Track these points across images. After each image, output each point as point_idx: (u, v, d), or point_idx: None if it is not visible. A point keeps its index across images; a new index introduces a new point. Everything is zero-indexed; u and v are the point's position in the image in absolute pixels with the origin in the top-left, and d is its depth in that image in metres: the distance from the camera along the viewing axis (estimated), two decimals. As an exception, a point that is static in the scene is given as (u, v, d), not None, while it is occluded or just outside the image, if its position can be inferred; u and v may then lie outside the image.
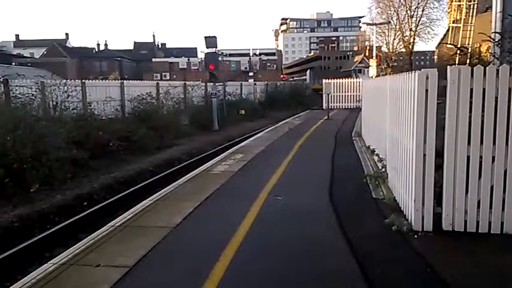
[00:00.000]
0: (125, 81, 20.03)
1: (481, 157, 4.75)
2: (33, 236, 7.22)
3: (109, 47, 76.46)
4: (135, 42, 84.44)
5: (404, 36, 44.08)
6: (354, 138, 13.68)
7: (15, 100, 11.81)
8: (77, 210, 8.72)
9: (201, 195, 6.96)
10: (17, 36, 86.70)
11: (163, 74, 66.00)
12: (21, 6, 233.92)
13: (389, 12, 44.16)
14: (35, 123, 10.55)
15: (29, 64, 47.91)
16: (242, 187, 7.71)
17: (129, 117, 17.45)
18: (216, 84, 22.34)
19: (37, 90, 13.13)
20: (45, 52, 66.90)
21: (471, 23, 19.37)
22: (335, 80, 29.67)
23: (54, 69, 25.14)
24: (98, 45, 79.38)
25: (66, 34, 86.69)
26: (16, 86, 12.84)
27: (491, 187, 4.77)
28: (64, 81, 14.85)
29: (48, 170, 9.74)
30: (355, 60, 72.51)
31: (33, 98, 12.24)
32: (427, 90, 4.81)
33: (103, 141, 13.23)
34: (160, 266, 4.35)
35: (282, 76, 76.31)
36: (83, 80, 16.53)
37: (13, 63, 42.35)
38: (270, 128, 18.48)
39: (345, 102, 29.36)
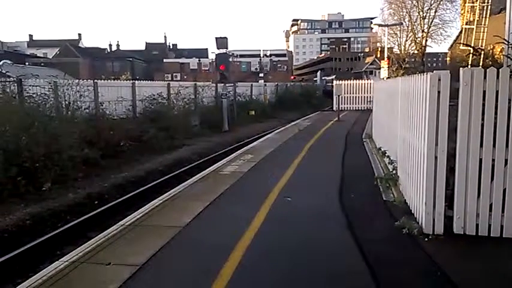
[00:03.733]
0: (136, 81, 20.18)
1: (493, 160, 4.69)
2: (44, 233, 7.30)
3: (121, 48, 77.29)
4: (146, 43, 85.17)
5: (417, 38, 43.67)
6: (364, 140, 13.60)
7: (29, 99, 11.96)
8: (88, 209, 8.80)
9: (210, 196, 6.97)
10: (31, 36, 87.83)
11: (174, 74, 66.48)
12: (35, 6, 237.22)
13: (401, 13, 43.77)
14: (48, 122, 10.68)
15: (42, 64, 48.54)
16: (251, 188, 7.72)
17: (140, 117, 17.58)
18: (227, 85, 22.38)
19: (50, 90, 13.27)
20: (58, 52, 67.69)
21: (485, 24, 19.10)
22: (346, 81, 29.54)
23: (67, 69, 25.36)
24: (110, 45, 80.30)
25: (79, 34, 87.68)
26: (30, 85, 13.00)
27: (504, 190, 4.71)
28: (76, 81, 15.01)
29: (60, 168, 9.85)
30: (366, 61, 72.04)
31: (46, 97, 12.38)
32: (439, 92, 4.77)
33: (114, 141, 13.34)
34: (169, 265, 4.37)
35: (291, 77, 76.21)
36: (95, 80, 16.69)
37: (27, 63, 42.93)
38: (279, 129, 18.47)
39: (355, 103, 29.21)
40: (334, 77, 52.56)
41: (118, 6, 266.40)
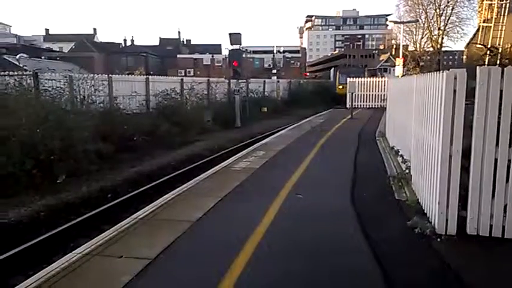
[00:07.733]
0: (150, 76, 20.34)
1: (509, 160, 4.61)
2: (58, 225, 7.41)
3: (135, 43, 77.58)
4: (160, 38, 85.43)
5: (433, 35, 43.08)
6: (377, 139, 13.49)
7: (45, 93, 12.12)
8: (101, 201, 8.91)
9: (222, 191, 7.00)
10: (47, 30, 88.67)
11: (187, 70, 66.69)
12: (52, 1, 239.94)
13: (417, 10, 43.23)
14: (63, 116, 10.82)
15: (58, 58, 49.05)
16: (263, 184, 7.72)
17: (154, 112, 17.72)
18: (239, 81, 22.40)
19: (65, 83, 13.46)
20: (73, 47, 68.29)
21: (503, 22, 18.76)
22: (359, 78, 29.31)
23: (82, 64, 25.73)
24: (125, 40, 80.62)
25: (94, 29, 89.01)
26: (45, 79, 13.18)
27: (520, 192, 4.63)
28: (91, 75, 15.18)
29: (74, 162, 9.98)
30: (380, 58, 71.21)
31: (62, 91, 12.53)
32: (455, 91, 4.70)
33: (128, 136, 13.48)
34: (181, 258, 4.40)
35: (304, 74, 75.72)
36: (110, 75, 16.85)
37: (43, 57, 43.43)
38: (292, 126, 18.42)
39: (369, 101, 28.98)
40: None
41: (133, 1, 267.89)
